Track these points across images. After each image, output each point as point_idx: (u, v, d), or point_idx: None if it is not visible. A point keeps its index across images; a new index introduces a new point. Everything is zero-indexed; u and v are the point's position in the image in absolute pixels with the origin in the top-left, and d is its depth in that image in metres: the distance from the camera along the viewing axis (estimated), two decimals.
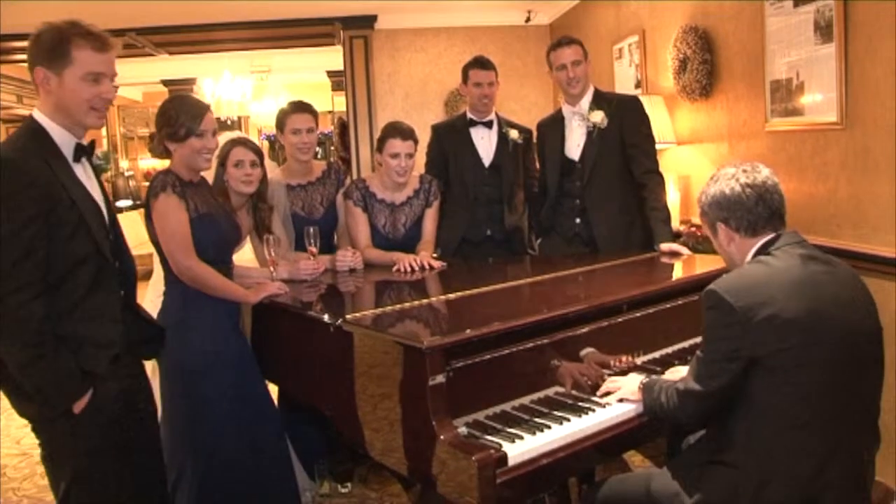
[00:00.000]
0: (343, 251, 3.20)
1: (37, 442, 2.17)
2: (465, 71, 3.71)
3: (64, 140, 2.05)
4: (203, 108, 2.61)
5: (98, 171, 2.24)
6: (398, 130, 3.26)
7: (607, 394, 2.16)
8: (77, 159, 2.07)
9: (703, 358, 1.86)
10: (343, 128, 7.41)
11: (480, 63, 3.67)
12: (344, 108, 7.39)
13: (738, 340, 1.76)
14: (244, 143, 3.03)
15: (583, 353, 2.24)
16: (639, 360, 2.38)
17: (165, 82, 11.56)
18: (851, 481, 1.79)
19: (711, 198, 1.95)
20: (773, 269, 1.82)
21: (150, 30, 6.72)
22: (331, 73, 10.98)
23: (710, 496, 1.83)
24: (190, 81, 11.73)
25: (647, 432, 2.14)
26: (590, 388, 2.20)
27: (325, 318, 2.33)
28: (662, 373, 2.30)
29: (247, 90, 10.82)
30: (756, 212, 1.89)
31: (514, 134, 3.68)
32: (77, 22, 2.03)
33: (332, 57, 8.39)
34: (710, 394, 1.83)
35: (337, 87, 10.90)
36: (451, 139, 3.73)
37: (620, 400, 2.12)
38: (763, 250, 1.89)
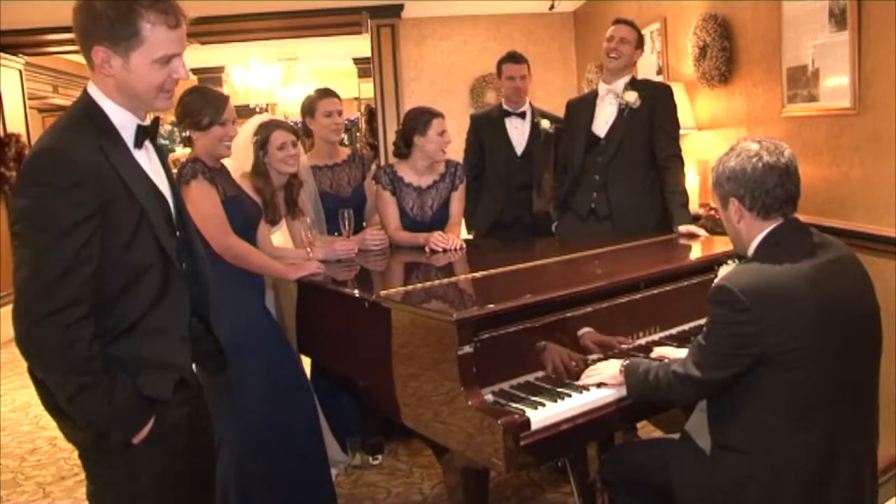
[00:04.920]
0: (372, 229, 3.41)
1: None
2: (500, 65, 3.99)
3: (124, 122, 1.69)
4: (224, 99, 2.81)
5: (163, 154, 1.84)
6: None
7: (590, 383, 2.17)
8: (139, 145, 1.72)
9: (707, 347, 1.84)
10: (371, 115, 7.56)
11: (514, 58, 3.95)
12: (370, 95, 7.50)
13: (751, 338, 1.76)
14: (282, 125, 3.20)
15: (580, 332, 2.30)
16: (644, 341, 2.44)
17: (195, 70, 11.73)
18: (861, 462, 1.85)
19: (731, 171, 1.87)
20: (784, 267, 1.80)
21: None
22: (357, 61, 11.09)
23: (724, 479, 1.87)
24: (218, 69, 11.91)
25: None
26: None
27: (361, 294, 2.49)
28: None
29: (275, 77, 10.97)
30: (773, 194, 1.84)
31: (545, 124, 3.95)
32: None
33: (359, 44, 8.48)
34: (710, 382, 1.84)
35: (363, 74, 11.00)
36: (486, 129, 4.03)
37: (599, 385, 2.13)
38: (771, 239, 1.87)
